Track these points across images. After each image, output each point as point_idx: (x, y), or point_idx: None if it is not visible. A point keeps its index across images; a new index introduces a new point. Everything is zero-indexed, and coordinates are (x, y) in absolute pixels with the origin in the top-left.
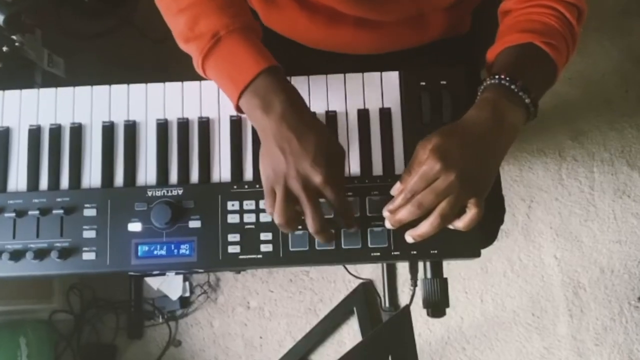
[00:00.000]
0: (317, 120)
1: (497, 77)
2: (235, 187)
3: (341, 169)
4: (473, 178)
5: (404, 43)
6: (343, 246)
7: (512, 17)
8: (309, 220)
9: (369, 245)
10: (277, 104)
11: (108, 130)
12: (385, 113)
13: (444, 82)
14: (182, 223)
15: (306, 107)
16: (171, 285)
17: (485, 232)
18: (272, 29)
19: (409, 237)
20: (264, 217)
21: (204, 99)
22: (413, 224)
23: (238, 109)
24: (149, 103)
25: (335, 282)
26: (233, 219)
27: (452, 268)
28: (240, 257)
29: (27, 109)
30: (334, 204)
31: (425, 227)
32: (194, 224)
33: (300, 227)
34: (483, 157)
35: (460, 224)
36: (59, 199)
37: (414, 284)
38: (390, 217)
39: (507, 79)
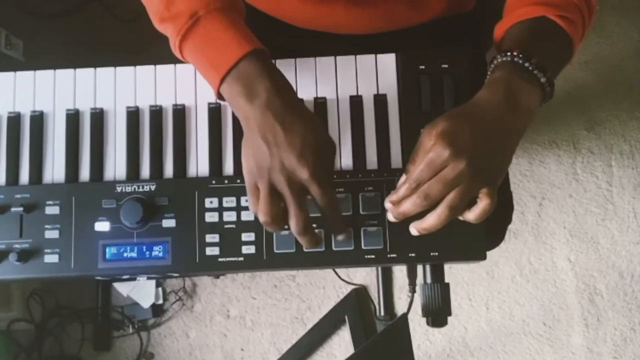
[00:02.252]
0: (306, 109)
1: (509, 54)
2: (213, 182)
3: (331, 163)
4: (485, 166)
5: (402, 22)
6: (334, 248)
7: None
8: (292, 219)
9: (363, 247)
10: (262, 91)
11: (72, 118)
12: (380, 100)
13: (446, 66)
14: (155, 222)
15: (294, 94)
16: (142, 292)
17: (491, 233)
18: (256, 6)
19: (414, 229)
20: (246, 216)
21: (179, 84)
22: (416, 217)
23: (219, 96)
24: (118, 89)
25: (324, 288)
26: (211, 217)
27: (454, 272)
28: (220, 259)
29: None
30: (320, 203)
31: (432, 220)
32: (168, 223)
33: (286, 226)
34: (496, 143)
35: (471, 215)
36: (17, 195)
37: (412, 290)
38: (393, 210)
39: (521, 56)
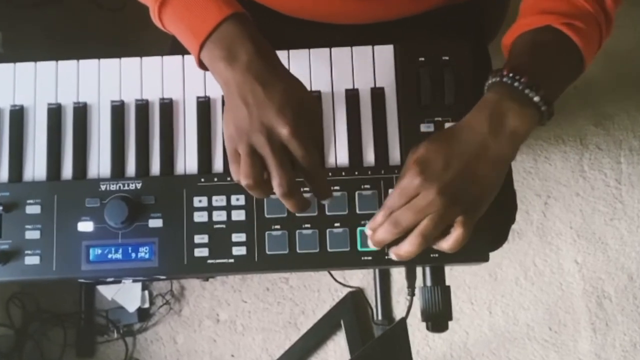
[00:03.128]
0: (289, 72)
1: (499, 73)
2: (202, 180)
3: (315, 122)
4: (460, 194)
5: (400, 11)
6: (329, 249)
7: None
8: (275, 180)
9: (359, 248)
10: (243, 54)
11: (54, 113)
12: (377, 94)
13: (447, 58)
14: (141, 222)
15: (276, 57)
16: (128, 295)
17: (494, 233)
18: None
19: (392, 254)
20: (237, 216)
21: (166, 77)
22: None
23: (200, 63)
24: (102, 82)
25: (319, 291)
26: (200, 217)
27: (455, 274)
28: (209, 261)
29: None
30: (302, 162)
31: (405, 247)
32: (155, 223)
33: (279, 226)
34: (473, 169)
35: (444, 244)
36: None
37: (412, 293)
38: (371, 237)
39: (511, 75)
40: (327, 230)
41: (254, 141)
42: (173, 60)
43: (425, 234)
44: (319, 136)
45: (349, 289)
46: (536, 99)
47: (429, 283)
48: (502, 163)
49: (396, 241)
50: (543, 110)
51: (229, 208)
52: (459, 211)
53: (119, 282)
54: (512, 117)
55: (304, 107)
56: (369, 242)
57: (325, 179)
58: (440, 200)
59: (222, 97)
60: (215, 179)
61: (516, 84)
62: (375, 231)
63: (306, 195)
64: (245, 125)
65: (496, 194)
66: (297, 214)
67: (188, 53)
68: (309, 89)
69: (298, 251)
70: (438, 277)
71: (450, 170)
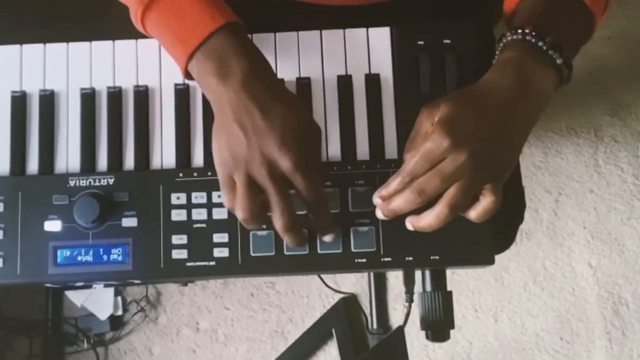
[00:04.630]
0: (287, 91)
1: (520, 31)
2: (181, 175)
3: (317, 152)
4: (490, 159)
5: None
6: (319, 250)
7: None
8: (277, 215)
9: (353, 249)
10: (237, 69)
11: (19, 102)
12: (372, 80)
13: (448, 41)
14: (114, 221)
15: (273, 74)
16: (99, 301)
17: (500, 234)
18: None
19: (409, 224)
20: (218, 214)
21: (141, 63)
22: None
23: (187, 74)
24: (71, 67)
25: (308, 297)
26: (178, 215)
27: (458, 279)
28: (188, 264)
29: None
30: (306, 197)
31: (429, 219)
32: (129, 222)
33: (264, 226)
34: (504, 133)
35: (472, 213)
36: None
37: (410, 299)
38: (383, 206)
39: (534, 33)
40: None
41: (254, 172)
42: (149, 44)
43: (454, 203)
44: (320, 163)
45: (341, 295)
46: (559, 61)
47: (428, 288)
48: (529, 126)
49: (413, 210)
50: (564, 74)
51: (209, 206)
52: (488, 178)
53: (90, 287)
54: (538, 78)
55: (306, 135)
56: (378, 213)
57: (329, 212)
58: (471, 165)
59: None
60: (195, 174)
61: (540, 43)
62: (391, 199)
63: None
64: (242, 153)
65: (518, 159)
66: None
67: None
68: (297, 75)
69: (285, 253)
70: (439, 282)
71: (481, 133)
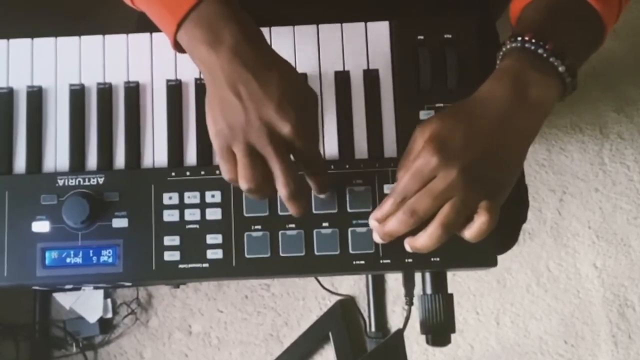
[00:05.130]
0: (280, 57)
1: (520, 39)
2: (173, 174)
3: (313, 116)
4: (483, 175)
5: None
6: (316, 252)
7: None
8: (281, 181)
9: (350, 251)
10: (228, 37)
11: (5, 98)
12: (371, 76)
13: (449, 36)
14: (104, 222)
15: (265, 41)
16: (88, 304)
17: (503, 234)
18: None
19: (407, 246)
20: (212, 214)
21: (132, 58)
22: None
23: (176, 45)
24: (59, 63)
25: (304, 300)
26: (171, 216)
27: (459, 280)
28: (180, 266)
29: None
30: (305, 159)
31: (423, 240)
32: (119, 222)
33: (259, 226)
34: (498, 147)
35: (467, 233)
36: None
37: (409, 302)
38: (379, 229)
39: (534, 40)
40: (314, 231)
41: (254, 140)
42: (140, 39)
43: (447, 223)
44: (317, 123)
45: (339, 297)
46: (561, 68)
47: (429, 291)
48: (527, 139)
49: (409, 232)
50: (567, 82)
51: (203, 206)
52: (482, 195)
53: (79, 289)
54: (537, 87)
55: (301, 96)
56: (375, 236)
57: (327, 171)
58: (462, 182)
59: (196, 80)
60: (188, 173)
61: (540, 50)
62: (385, 222)
63: None
64: (240, 121)
65: (518, 176)
66: (280, 213)
67: (157, 30)
68: None
69: (281, 254)
70: (439, 284)
71: (472, 148)
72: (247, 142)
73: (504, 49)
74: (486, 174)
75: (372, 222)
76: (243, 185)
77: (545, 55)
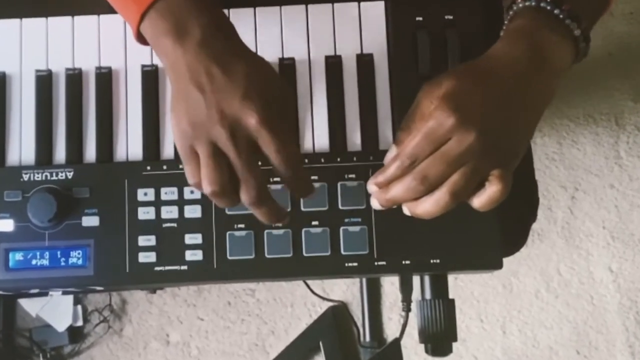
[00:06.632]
0: (253, 52)
1: None
2: (148, 168)
3: (288, 113)
4: (499, 140)
5: None
6: (304, 253)
7: None
8: (242, 184)
9: (342, 252)
10: (196, 29)
11: None
12: (365, 61)
13: (450, 17)
14: (73, 220)
15: (237, 35)
16: (57, 311)
17: (510, 233)
18: None
19: (407, 209)
20: (191, 212)
21: (104, 41)
22: None
23: (139, 37)
24: (25, 47)
25: (292, 306)
26: (146, 214)
27: (461, 285)
28: (157, 269)
29: None
30: (275, 158)
31: (428, 205)
32: (90, 221)
33: (243, 225)
34: (515, 111)
35: (476, 201)
36: None
37: (407, 308)
38: (379, 194)
39: (549, 0)
40: (303, 230)
41: (216, 136)
42: (112, 20)
43: (456, 190)
44: (292, 123)
45: (330, 304)
46: (577, 32)
47: (428, 296)
48: (543, 106)
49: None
50: (581, 47)
51: (181, 203)
52: (496, 162)
53: (46, 294)
54: (553, 49)
55: (273, 90)
56: (373, 202)
57: (305, 173)
58: (479, 145)
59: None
60: (165, 167)
61: (557, 10)
62: (388, 187)
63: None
64: (202, 117)
65: (527, 147)
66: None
67: None
68: (279, 55)
69: (267, 256)
70: (440, 289)
71: (491, 111)
72: (210, 141)
73: (514, 7)
74: (502, 140)
75: (372, 186)
76: (206, 188)
77: (561, 16)
